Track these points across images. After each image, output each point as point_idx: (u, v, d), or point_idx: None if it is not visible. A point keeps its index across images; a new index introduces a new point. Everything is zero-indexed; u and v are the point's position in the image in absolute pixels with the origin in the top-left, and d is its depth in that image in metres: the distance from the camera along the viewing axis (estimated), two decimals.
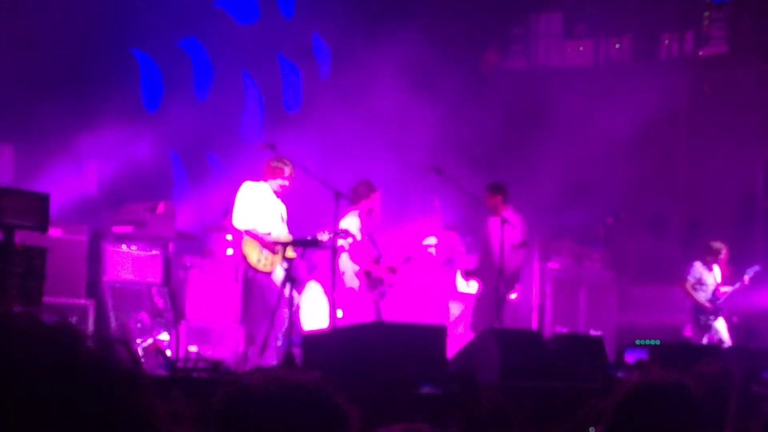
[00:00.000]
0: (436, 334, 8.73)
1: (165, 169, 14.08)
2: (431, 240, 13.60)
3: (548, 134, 16.12)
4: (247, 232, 10.11)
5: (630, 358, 9.94)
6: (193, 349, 10.28)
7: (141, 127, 12.99)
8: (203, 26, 14.66)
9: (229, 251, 11.47)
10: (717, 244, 13.44)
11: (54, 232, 9.56)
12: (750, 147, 15.85)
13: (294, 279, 9.52)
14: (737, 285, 13.16)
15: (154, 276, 10.76)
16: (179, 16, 13.98)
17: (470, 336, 10.56)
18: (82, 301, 10.08)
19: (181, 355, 10.10)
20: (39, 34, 12.03)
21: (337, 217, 10.21)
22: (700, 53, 16.87)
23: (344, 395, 2.05)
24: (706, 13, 16.79)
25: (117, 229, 10.74)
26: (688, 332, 13.49)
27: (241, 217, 10.17)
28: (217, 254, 11.77)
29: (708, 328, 13.16)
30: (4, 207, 8.21)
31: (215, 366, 7.86)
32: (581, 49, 17.66)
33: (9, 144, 11.56)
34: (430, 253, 13.29)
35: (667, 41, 17.13)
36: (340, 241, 10.39)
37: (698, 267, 13.35)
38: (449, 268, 13.47)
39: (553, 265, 13.94)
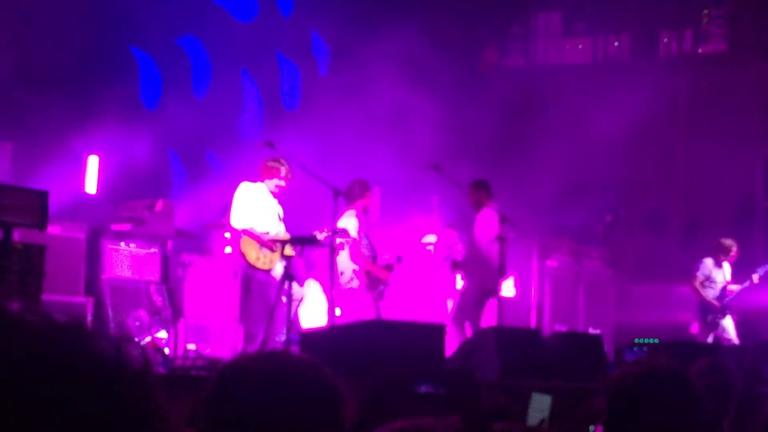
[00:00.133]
0: (435, 333, 8.73)
1: (164, 167, 14.08)
2: (430, 238, 13.60)
3: (547, 132, 16.12)
4: (245, 232, 10.11)
5: (630, 357, 9.94)
6: (191, 347, 10.28)
7: (140, 125, 12.99)
8: (202, 24, 14.65)
9: (228, 249, 11.47)
10: (728, 242, 13.28)
11: (53, 229, 9.54)
12: (749, 145, 15.85)
13: (292, 277, 9.51)
14: (746, 284, 13.03)
15: (153, 274, 10.75)
16: (178, 14, 13.97)
17: (452, 331, 10.51)
18: (81, 299, 10.07)
19: (180, 353, 10.10)
20: (38, 32, 12.02)
21: (336, 216, 10.21)
22: (700, 51, 16.86)
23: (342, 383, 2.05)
24: (705, 11, 16.78)
25: (116, 226, 10.72)
26: (695, 329, 13.39)
27: (239, 217, 10.17)
28: (216, 252, 11.76)
29: (715, 326, 13.06)
30: (3, 204, 8.20)
31: (213, 364, 7.86)
32: (580, 47, 17.65)
33: (8, 141, 11.55)
34: (429, 252, 13.28)
35: (666, 39, 17.12)
36: (339, 240, 10.38)
37: (708, 264, 13.21)
38: (448, 266, 13.46)
39: (552, 263, 13.94)
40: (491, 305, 12.00)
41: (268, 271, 10.11)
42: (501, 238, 11.23)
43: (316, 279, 12.10)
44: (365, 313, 10.81)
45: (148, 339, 10.02)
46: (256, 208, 10.21)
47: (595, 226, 15.53)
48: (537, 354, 9.10)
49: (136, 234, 10.70)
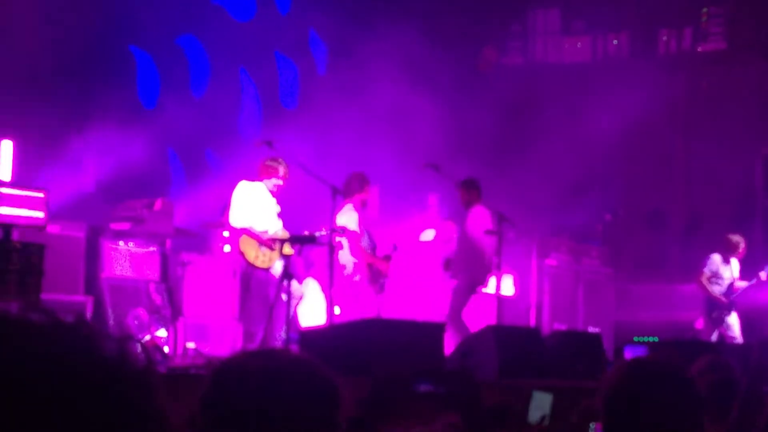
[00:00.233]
0: (434, 332, 8.73)
1: (162, 166, 14.07)
2: (429, 234, 13.59)
3: (546, 131, 16.11)
4: (244, 230, 10.11)
5: (629, 355, 9.93)
6: (190, 345, 10.28)
7: (138, 124, 12.98)
8: (200, 23, 14.64)
9: (227, 248, 11.46)
10: (736, 238, 13.21)
11: (52, 228, 9.55)
12: (749, 143, 15.83)
13: (291, 275, 9.51)
14: (753, 281, 12.98)
15: (152, 273, 10.74)
16: (176, 13, 13.97)
17: (450, 330, 10.49)
18: (80, 298, 10.07)
19: (179, 351, 10.10)
20: (38, 31, 12.01)
21: (334, 213, 10.21)
22: (699, 50, 16.85)
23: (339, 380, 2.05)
24: (705, 9, 16.77)
25: (115, 225, 10.72)
26: (699, 325, 13.35)
27: (238, 216, 10.17)
28: (215, 251, 11.76)
29: (720, 322, 12.99)
30: (2, 203, 8.20)
31: (209, 362, 7.85)
32: (579, 45, 17.64)
33: (7, 140, 11.53)
34: (429, 250, 13.27)
35: (665, 37, 17.11)
36: (338, 238, 10.38)
37: (716, 260, 13.14)
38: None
39: (551, 262, 13.94)
40: (490, 304, 12.00)
41: (267, 270, 10.11)
42: (493, 233, 11.25)
43: (315, 278, 12.10)
44: (368, 306, 10.82)
45: (147, 338, 10.01)
46: (255, 206, 10.21)
47: (595, 225, 15.52)
48: (536, 353, 9.10)
49: (135, 233, 10.70)
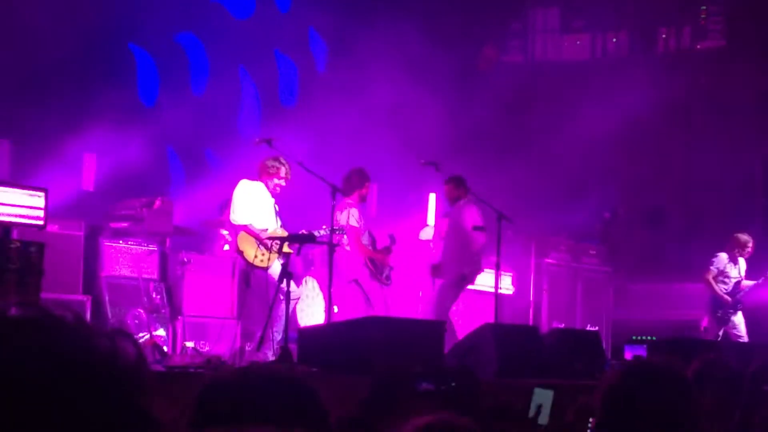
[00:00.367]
0: (434, 330, 8.73)
1: (162, 165, 14.06)
2: (427, 232, 13.60)
3: (545, 128, 16.12)
4: (245, 228, 10.11)
5: (629, 354, 9.95)
6: (190, 344, 10.27)
7: (138, 123, 12.97)
8: (199, 21, 14.63)
9: (226, 247, 11.47)
10: (744, 237, 13.14)
11: (51, 227, 9.53)
12: (748, 141, 15.84)
13: (291, 274, 9.50)
14: (760, 280, 12.92)
15: (151, 272, 10.74)
16: (176, 11, 13.96)
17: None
18: (79, 297, 10.06)
19: (178, 350, 10.10)
20: (36, 29, 12.00)
21: (334, 212, 10.20)
22: (698, 47, 16.87)
23: (334, 389, 2.05)
24: (703, 7, 16.79)
25: (114, 224, 10.72)
26: (705, 324, 13.30)
27: (239, 214, 10.17)
28: (214, 250, 11.76)
29: (725, 321, 12.94)
30: (1, 202, 8.20)
31: (209, 362, 7.86)
32: (578, 43, 17.66)
33: (6, 139, 11.53)
34: (428, 249, 13.27)
35: (664, 35, 17.13)
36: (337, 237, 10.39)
37: (723, 258, 13.07)
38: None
39: (550, 260, 13.94)
40: (489, 303, 12.00)
41: (266, 269, 10.11)
42: (481, 229, 11.26)
43: (314, 277, 12.10)
44: (374, 300, 10.83)
45: (146, 336, 10.01)
46: (255, 205, 10.21)
47: (594, 224, 15.52)
48: (535, 351, 9.11)
49: (134, 232, 10.69)
